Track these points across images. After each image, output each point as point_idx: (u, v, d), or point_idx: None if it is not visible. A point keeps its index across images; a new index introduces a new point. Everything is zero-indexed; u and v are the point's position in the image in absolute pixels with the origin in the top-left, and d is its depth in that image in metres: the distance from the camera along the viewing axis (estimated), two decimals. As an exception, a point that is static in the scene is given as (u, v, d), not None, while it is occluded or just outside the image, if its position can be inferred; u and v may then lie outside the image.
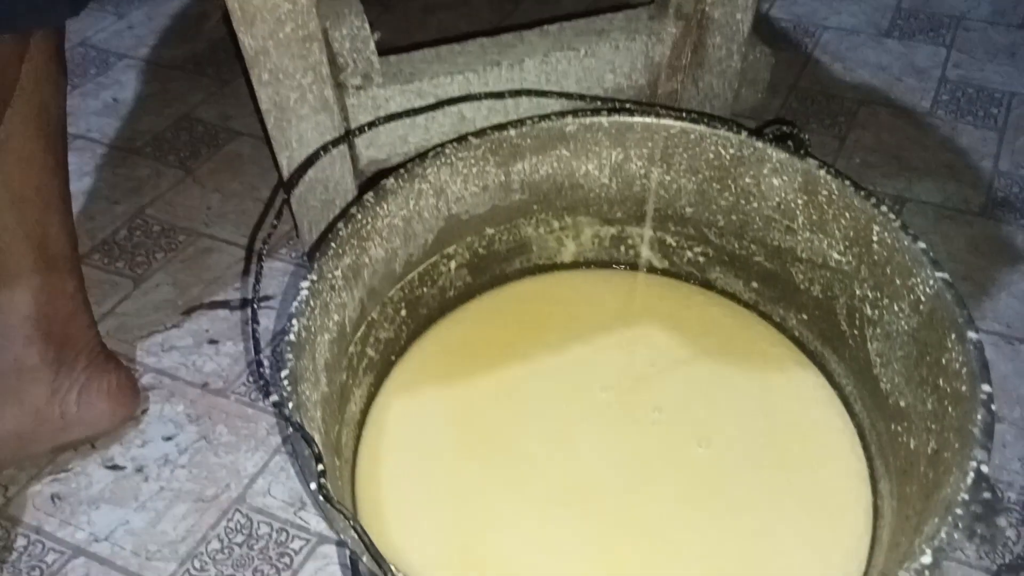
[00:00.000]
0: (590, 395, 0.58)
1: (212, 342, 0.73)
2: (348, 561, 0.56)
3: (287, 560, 0.58)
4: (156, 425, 0.67)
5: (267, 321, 0.74)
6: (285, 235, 0.80)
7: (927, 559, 0.34)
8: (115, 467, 0.64)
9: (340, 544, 0.57)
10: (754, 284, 0.62)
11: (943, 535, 0.35)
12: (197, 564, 0.58)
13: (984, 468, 0.37)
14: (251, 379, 0.69)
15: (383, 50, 0.60)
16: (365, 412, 0.57)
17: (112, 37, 1.08)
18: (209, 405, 0.68)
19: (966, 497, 0.36)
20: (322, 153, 0.55)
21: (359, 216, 0.50)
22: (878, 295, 0.51)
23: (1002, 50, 1.02)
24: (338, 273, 0.49)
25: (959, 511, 0.36)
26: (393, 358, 0.60)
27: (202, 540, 0.60)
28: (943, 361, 0.44)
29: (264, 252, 0.47)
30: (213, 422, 0.67)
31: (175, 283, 0.78)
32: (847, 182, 0.51)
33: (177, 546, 0.59)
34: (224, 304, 0.76)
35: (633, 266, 0.66)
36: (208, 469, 0.64)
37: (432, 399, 0.58)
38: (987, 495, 0.36)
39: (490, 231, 0.61)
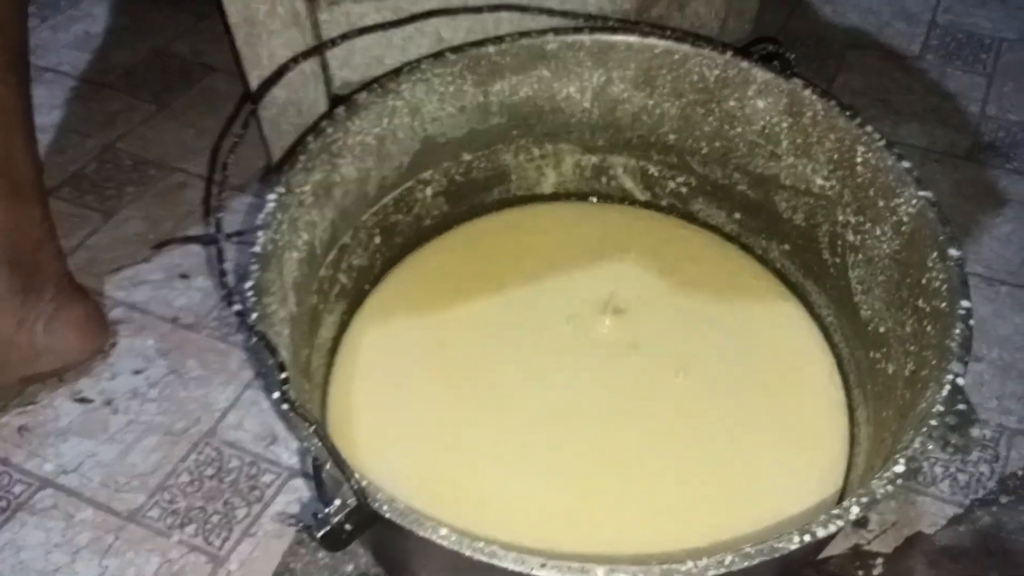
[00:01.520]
0: (567, 326, 0.57)
1: (183, 276, 0.71)
2: (314, 482, 0.54)
3: (257, 493, 0.57)
4: (126, 359, 0.65)
5: (240, 256, 0.72)
6: (259, 170, 0.78)
7: (900, 468, 0.34)
8: (83, 400, 0.63)
9: (307, 474, 0.57)
10: (736, 215, 0.60)
11: (917, 444, 0.34)
12: (167, 496, 0.57)
13: (960, 381, 0.36)
14: (223, 315, 0.68)
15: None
16: (338, 339, 0.56)
17: (82, -31, 1.04)
18: (180, 339, 0.67)
19: (941, 408, 0.35)
20: (292, 65, 0.53)
21: (330, 130, 0.49)
22: (861, 219, 0.50)
23: (993, -5, 1.00)
24: (307, 188, 0.48)
25: (934, 422, 0.35)
26: (367, 286, 0.59)
27: (172, 473, 0.58)
28: (923, 281, 0.43)
29: (228, 162, 0.45)
30: (184, 356, 0.65)
31: (146, 217, 0.76)
32: (832, 102, 0.50)
33: (147, 478, 0.58)
34: (196, 239, 0.74)
35: (614, 197, 0.64)
36: (178, 403, 0.62)
37: (406, 328, 0.57)
38: (962, 407, 0.35)
39: (468, 157, 0.59)
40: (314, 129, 0.48)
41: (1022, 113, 0.86)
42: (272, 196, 0.45)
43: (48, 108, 0.85)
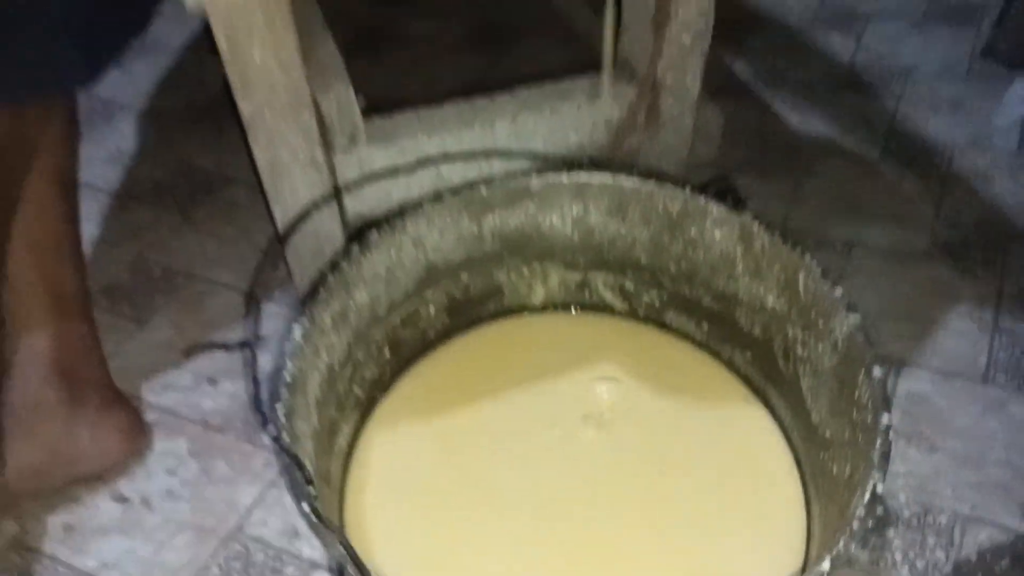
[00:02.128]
0: (557, 429, 0.65)
1: (211, 381, 0.79)
2: (335, 578, 0.62)
3: (281, 584, 0.64)
4: (160, 460, 0.73)
5: (263, 360, 0.80)
6: (279, 280, 0.87)
7: (825, 566, 0.41)
8: (122, 499, 0.70)
9: (331, 571, 0.63)
10: (704, 325, 0.69)
11: (841, 545, 0.42)
12: (198, 589, 0.64)
13: (879, 488, 0.44)
14: (248, 417, 0.75)
15: (371, 105, 0.68)
16: (352, 445, 0.64)
17: (115, 88, 1.15)
18: (209, 441, 0.74)
19: (862, 512, 0.43)
20: (312, 210, 0.63)
21: (346, 266, 0.58)
22: (806, 336, 0.58)
23: (946, 102, 1.11)
24: (327, 318, 0.56)
25: (855, 524, 0.43)
26: (377, 395, 0.67)
27: (203, 568, 0.65)
28: (855, 395, 0.51)
29: (260, 299, 0.54)
30: (213, 457, 0.73)
31: (175, 325, 0.84)
32: (777, 234, 0.58)
33: (179, 573, 0.65)
34: (221, 345, 0.82)
35: (597, 308, 0.73)
36: (208, 502, 0.70)
37: (413, 433, 0.65)
38: (880, 511, 0.43)
39: (465, 277, 0.68)
40: (333, 266, 0.57)
41: (973, 216, 0.95)
42: (298, 328, 0.53)
43: (83, 221, 0.95)
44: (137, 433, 0.72)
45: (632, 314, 0.72)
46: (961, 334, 0.83)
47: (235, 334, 0.83)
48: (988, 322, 0.84)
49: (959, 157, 1.03)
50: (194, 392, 0.78)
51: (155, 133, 1.08)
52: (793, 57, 1.20)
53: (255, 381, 0.48)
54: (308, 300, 0.55)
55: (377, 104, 0.69)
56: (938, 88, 1.14)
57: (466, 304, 0.70)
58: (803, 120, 1.09)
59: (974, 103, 1.11)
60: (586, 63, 0.75)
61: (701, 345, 0.70)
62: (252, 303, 0.77)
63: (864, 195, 0.98)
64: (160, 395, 0.78)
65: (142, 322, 0.85)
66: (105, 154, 1.05)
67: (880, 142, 1.06)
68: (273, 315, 0.84)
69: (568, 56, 0.87)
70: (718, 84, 1.14)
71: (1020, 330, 0.83)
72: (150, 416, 0.76)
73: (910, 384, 0.78)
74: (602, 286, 0.71)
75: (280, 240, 0.64)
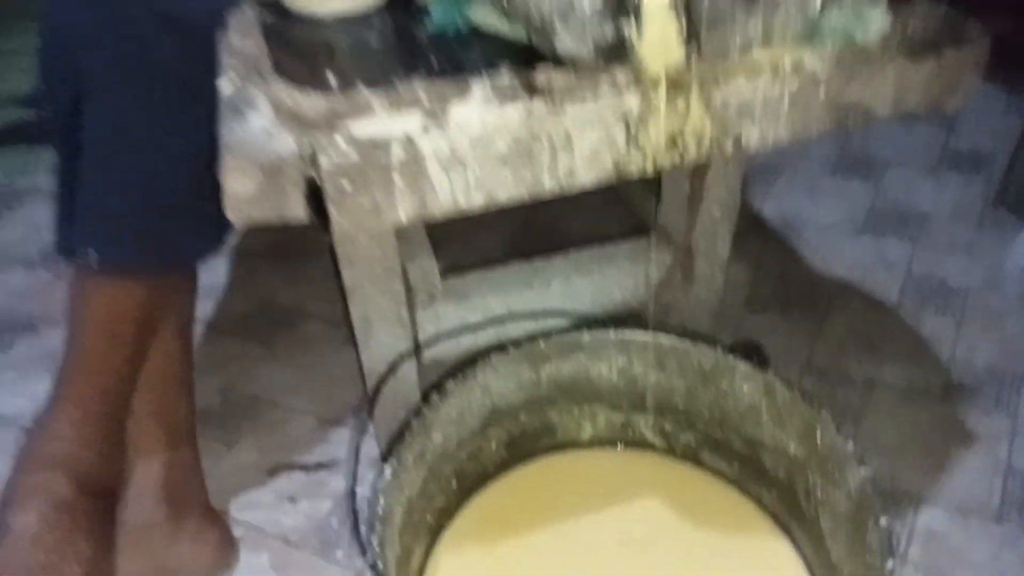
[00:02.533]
0: (603, 556, 0.74)
1: (291, 500, 0.89)
2: None
3: None
4: (245, 572, 0.83)
5: (336, 481, 0.90)
6: (352, 407, 0.98)
7: None
8: (212, 607, 0.80)
9: None
10: (735, 465, 0.78)
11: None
12: None
13: (885, 625, 0.52)
14: (324, 535, 0.85)
15: (445, 271, 0.80)
16: (422, 568, 0.73)
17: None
18: (288, 557, 0.84)
19: (871, 647, 0.51)
20: (397, 365, 0.74)
21: (426, 412, 0.68)
22: (825, 482, 0.67)
23: (961, 247, 1.21)
24: (410, 457, 0.67)
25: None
26: (444, 521, 0.76)
27: (281, 672, 0.74)
28: (867, 539, 0.60)
29: (359, 448, 0.65)
30: (291, 571, 0.82)
31: (259, 447, 0.95)
32: (796, 392, 0.68)
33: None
34: (301, 466, 0.93)
35: (639, 445, 0.82)
36: (287, 612, 0.79)
37: (475, 557, 0.74)
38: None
39: (523, 417, 0.79)
40: (416, 412, 0.68)
41: (986, 356, 1.04)
42: (388, 469, 0.64)
43: (180, 350, 1.08)
44: (228, 548, 0.82)
45: (671, 452, 0.81)
46: (976, 472, 0.90)
47: (313, 456, 0.94)
48: (1002, 461, 0.91)
49: (973, 299, 1.12)
50: (276, 510, 0.88)
51: (242, 270, 1.23)
52: (816, 201, 1.32)
53: (354, 515, 0.59)
54: (395, 442, 0.66)
55: (453, 262, 0.82)
56: (952, 233, 1.24)
57: (522, 440, 0.80)
58: (825, 261, 1.20)
59: (986, 248, 1.21)
60: (628, 229, 0.87)
61: (733, 482, 0.79)
62: (354, 450, 0.88)
63: (882, 334, 1.08)
64: (246, 512, 0.89)
65: (231, 444, 0.96)
66: (199, 289, 1.19)
67: (898, 283, 1.16)
68: (343, 438, 0.94)
69: (615, 221, 1.00)
70: (746, 226, 1.26)
71: (1031, 470, 0.90)
72: (237, 531, 0.86)
73: (927, 520, 0.85)
74: (643, 427, 0.81)
75: (370, 398, 0.76)
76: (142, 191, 0.66)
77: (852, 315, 1.11)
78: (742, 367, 0.72)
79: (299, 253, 1.25)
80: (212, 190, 0.67)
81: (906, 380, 1.01)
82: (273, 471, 0.93)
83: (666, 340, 0.74)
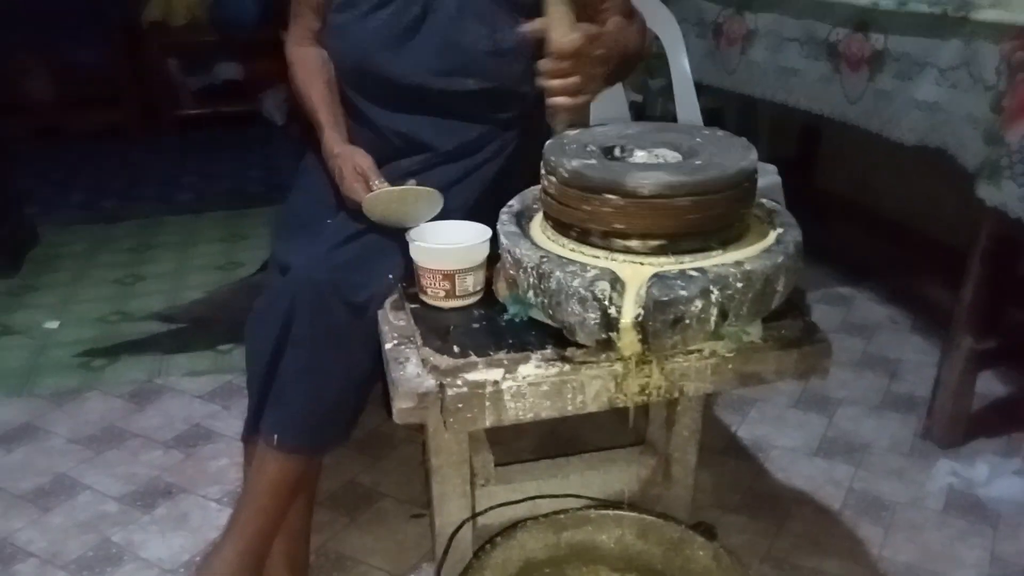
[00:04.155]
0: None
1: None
2: None
3: None
4: None
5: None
6: (414, 564, 1.32)
7: None
8: None
9: None
10: (697, 614, 1.11)
11: None
12: None
13: None
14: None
15: (497, 463, 1.18)
16: (472, 674, 1.04)
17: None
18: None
19: None
20: (461, 529, 1.11)
21: (481, 557, 1.04)
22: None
23: (893, 470, 1.57)
24: (470, 588, 1.01)
25: None
26: (488, 644, 1.09)
27: None
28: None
29: None
30: None
31: (347, 594, 1.29)
32: (734, 557, 1.03)
33: None
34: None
35: (630, 600, 1.16)
36: None
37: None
38: None
39: (547, 570, 1.13)
40: (473, 559, 1.03)
41: (908, 557, 1.37)
42: (458, 591, 0.98)
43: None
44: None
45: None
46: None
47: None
48: (908, 635, 1.22)
49: (900, 512, 1.46)
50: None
51: (333, 459, 1.61)
52: (780, 429, 1.70)
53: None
54: (461, 577, 1.01)
55: (503, 457, 1.20)
56: (887, 459, 1.61)
57: (546, 590, 1.14)
58: (785, 476, 1.56)
59: (913, 472, 1.57)
60: (627, 441, 1.26)
61: (697, 628, 1.11)
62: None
63: (827, 535, 1.41)
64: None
65: (324, 592, 1.30)
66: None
67: (841, 497, 1.50)
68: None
69: (618, 434, 1.40)
70: (723, 446, 1.64)
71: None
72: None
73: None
74: (635, 583, 1.15)
75: (441, 559, 1.11)
76: (316, 403, 1.08)
77: (804, 519, 1.45)
78: (699, 539, 1.07)
79: (374, 448, 1.64)
80: (356, 403, 1.09)
81: (844, 572, 1.33)
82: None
83: (648, 518, 1.11)
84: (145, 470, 1.60)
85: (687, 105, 1.94)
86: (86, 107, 3.82)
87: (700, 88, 1.99)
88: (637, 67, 1.23)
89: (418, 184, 1.09)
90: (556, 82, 0.97)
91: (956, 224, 1.52)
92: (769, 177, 1.76)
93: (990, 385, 1.77)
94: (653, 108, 2.33)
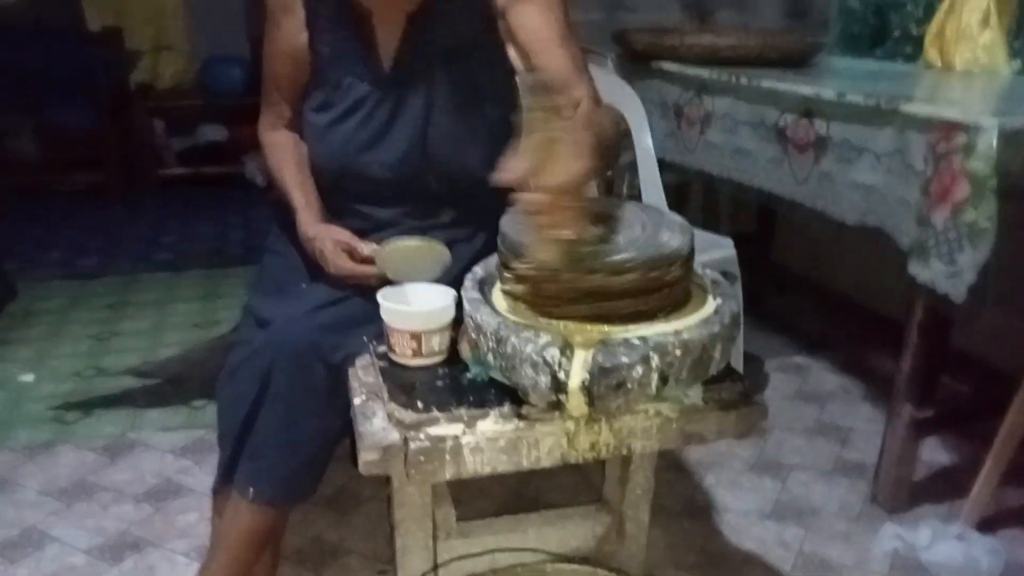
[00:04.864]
0: None
1: None
2: None
3: None
4: None
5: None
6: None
7: None
8: None
9: None
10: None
11: None
12: None
13: None
14: None
15: (458, 518, 1.24)
16: None
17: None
18: None
19: None
20: None
21: (441, 608, 1.09)
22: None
23: (841, 534, 1.64)
24: (429, 636, 1.06)
25: None
26: None
27: None
28: None
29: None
30: None
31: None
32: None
33: None
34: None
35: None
36: None
37: None
38: None
39: (506, 622, 1.18)
40: (435, 607, 1.09)
41: (849, 616, 1.43)
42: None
43: None
44: None
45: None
46: None
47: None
48: None
49: (846, 574, 1.53)
50: None
51: (299, 514, 1.65)
52: (735, 492, 1.78)
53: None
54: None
55: (464, 513, 1.27)
56: (836, 522, 1.68)
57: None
58: (738, 538, 1.63)
59: (860, 535, 1.64)
60: (584, 499, 1.33)
61: None
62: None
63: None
64: None
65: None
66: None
67: (791, 559, 1.57)
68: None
69: (576, 492, 1.46)
70: (680, 508, 1.71)
71: None
72: None
73: None
74: (586, 637, 1.20)
75: None
76: (291, 457, 1.14)
77: (754, 579, 1.51)
78: (646, 593, 1.13)
79: (341, 504, 1.69)
80: (326, 458, 1.15)
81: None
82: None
83: (602, 572, 1.17)
84: (114, 523, 1.63)
85: (650, 181, 2.06)
86: (70, 167, 3.91)
87: (665, 165, 2.12)
88: (618, 156, 1.30)
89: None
90: (545, 219, 0.90)
91: (900, 299, 1.63)
92: (725, 250, 1.87)
93: (934, 453, 1.87)
94: (621, 182, 2.46)
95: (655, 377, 0.92)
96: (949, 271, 1.36)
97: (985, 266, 1.32)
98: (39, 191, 3.85)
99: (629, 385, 0.90)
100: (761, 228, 2.62)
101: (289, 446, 1.13)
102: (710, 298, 1.06)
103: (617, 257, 0.95)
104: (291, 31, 1.26)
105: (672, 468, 1.84)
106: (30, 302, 2.69)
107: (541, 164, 0.88)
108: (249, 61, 4.49)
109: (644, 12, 2.96)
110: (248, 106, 4.62)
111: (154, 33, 4.25)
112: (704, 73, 1.99)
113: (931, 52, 2.05)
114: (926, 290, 1.42)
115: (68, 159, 3.89)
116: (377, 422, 1.00)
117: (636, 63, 2.22)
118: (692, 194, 2.69)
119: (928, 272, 1.40)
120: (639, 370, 0.90)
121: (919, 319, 1.56)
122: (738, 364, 1.92)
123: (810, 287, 2.48)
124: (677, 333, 0.93)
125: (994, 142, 1.29)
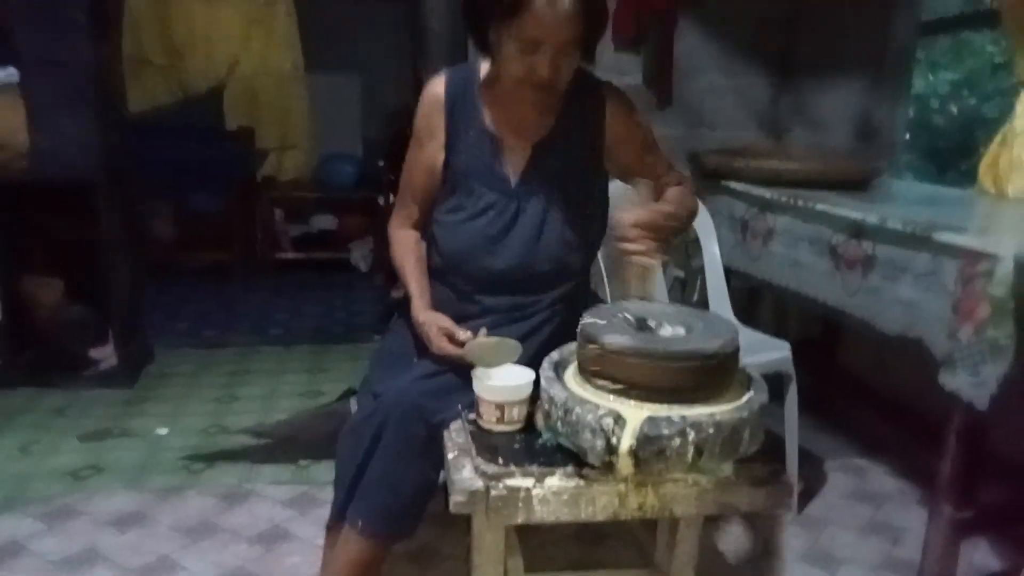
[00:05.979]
0: None
1: None
2: None
3: None
4: None
5: None
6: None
7: None
8: None
9: None
10: None
11: None
12: None
13: None
14: None
15: (527, 568, 1.46)
16: None
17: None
18: None
19: None
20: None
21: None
22: None
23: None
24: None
25: None
26: None
27: None
28: None
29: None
30: None
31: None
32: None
33: None
34: None
35: None
36: None
37: None
38: None
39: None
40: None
41: None
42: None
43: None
44: None
45: None
46: None
47: None
48: None
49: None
50: None
51: (385, 565, 1.89)
52: None
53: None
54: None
55: (531, 564, 1.49)
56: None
57: None
58: None
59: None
60: (637, 563, 1.53)
61: None
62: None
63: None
64: None
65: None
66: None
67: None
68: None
69: (632, 556, 1.65)
70: None
71: None
72: None
73: None
74: None
75: None
76: (395, 499, 1.40)
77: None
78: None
79: (423, 559, 1.92)
80: (424, 503, 1.41)
81: None
82: None
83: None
84: (232, 559, 1.91)
85: (716, 286, 2.30)
86: (200, 247, 4.43)
87: (732, 272, 2.36)
88: (691, 224, 1.63)
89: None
90: (635, 246, 1.34)
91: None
92: (780, 352, 2.07)
93: (981, 554, 1.97)
94: (693, 284, 2.70)
95: (691, 449, 1.15)
96: (974, 381, 1.54)
97: (1006, 378, 1.50)
98: (173, 267, 4.36)
99: (669, 453, 1.14)
100: (826, 334, 2.79)
101: (393, 488, 1.39)
102: (745, 391, 1.28)
103: (669, 350, 1.20)
104: (432, 151, 1.60)
105: (726, 555, 2.00)
106: (164, 365, 3.09)
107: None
108: (360, 159, 5.02)
109: (723, 130, 3.22)
110: (357, 199, 5.19)
111: (281, 133, 4.82)
112: (767, 193, 2.24)
113: (985, 180, 2.24)
114: (954, 397, 1.59)
115: (199, 240, 4.41)
116: (466, 472, 1.25)
117: (707, 180, 2.49)
118: (764, 300, 2.90)
119: (956, 381, 1.58)
120: (677, 441, 1.13)
121: (957, 424, 1.72)
122: (792, 457, 2.09)
123: (873, 392, 2.62)
124: (711, 415, 1.17)
125: (1011, 270, 1.49)
